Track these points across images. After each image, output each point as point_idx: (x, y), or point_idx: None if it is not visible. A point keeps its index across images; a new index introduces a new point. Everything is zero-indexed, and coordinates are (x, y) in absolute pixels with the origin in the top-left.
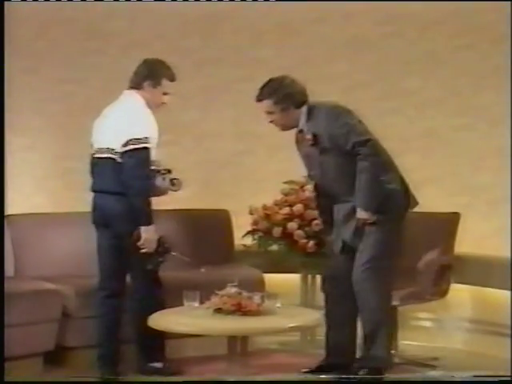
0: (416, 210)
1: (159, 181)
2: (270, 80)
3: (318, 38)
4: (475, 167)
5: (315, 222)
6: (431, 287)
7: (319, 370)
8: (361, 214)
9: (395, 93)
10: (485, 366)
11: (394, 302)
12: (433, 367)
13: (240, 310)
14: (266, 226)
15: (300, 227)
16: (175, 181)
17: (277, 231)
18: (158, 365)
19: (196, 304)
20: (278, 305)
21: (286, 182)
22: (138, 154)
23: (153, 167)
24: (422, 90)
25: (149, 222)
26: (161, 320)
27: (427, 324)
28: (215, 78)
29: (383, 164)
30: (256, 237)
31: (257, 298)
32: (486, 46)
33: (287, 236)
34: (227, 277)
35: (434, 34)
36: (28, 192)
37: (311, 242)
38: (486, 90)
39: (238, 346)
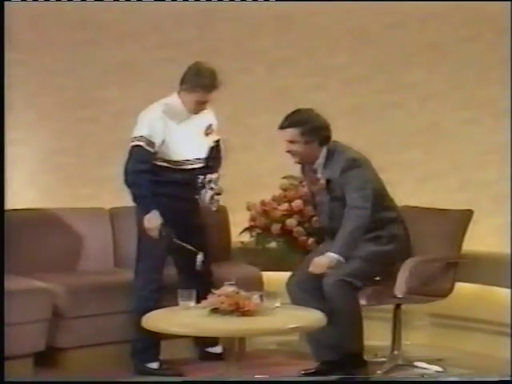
0: (426, 206)
1: (203, 193)
2: (298, 110)
3: (318, 30)
4: (479, 162)
5: (315, 218)
6: (427, 286)
7: (318, 371)
8: (330, 257)
9: (397, 86)
10: (490, 368)
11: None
12: (437, 369)
13: (238, 310)
14: (264, 222)
15: (299, 224)
16: (214, 200)
17: (275, 228)
18: (154, 365)
19: (192, 303)
20: (278, 304)
21: (284, 177)
22: (131, 151)
23: (208, 179)
24: (425, 83)
25: (146, 211)
26: (154, 320)
27: (430, 324)
28: None
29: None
30: (254, 234)
31: (255, 297)
32: (491, 38)
33: (286, 233)
34: (224, 275)
35: (438, 26)
36: (20, 187)
37: (311, 239)
38: (490, 83)
39: (235, 346)
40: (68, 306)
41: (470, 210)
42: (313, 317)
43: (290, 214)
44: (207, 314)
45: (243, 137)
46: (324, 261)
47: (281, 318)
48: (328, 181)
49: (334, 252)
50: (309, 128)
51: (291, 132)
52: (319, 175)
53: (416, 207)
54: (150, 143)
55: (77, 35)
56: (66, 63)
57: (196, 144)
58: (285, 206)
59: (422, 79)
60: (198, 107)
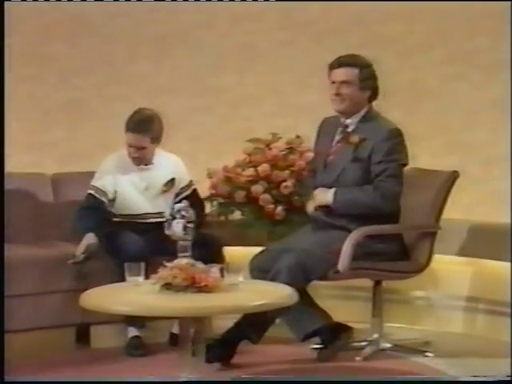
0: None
1: (174, 225)
2: (353, 54)
3: None
4: (468, 122)
5: (284, 184)
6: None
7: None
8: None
9: (374, 40)
10: (483, 351)
11: None
12: (425, 353)
13: (193, 286)
14: (226, 189)
15: (266, 190)
16: (188, 229)
17: (239, 195)
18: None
19: (140, 279)
20: (241, 279)
21: (249, 140)
22: (85, 199)
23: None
24: (405, 36)
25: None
26: (96, 298)
27: (416, 303)
28: (169, 25)
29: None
30: (215, 203)
31: (214, 270)
32: None
33: (252, 201)
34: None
35: None
36: None
37: (279, 208)
38: (478, 34)
39: (191, 330)
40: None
41: (455, 171)
42: (282, 292)
43: (255, 179)
44: (158, 290)
45: (204, 98)
46: (323, 196)
47: (245, 294)
48: (361, 140)
49: (335, 193)
50: (367, 73)
51: (349, 71)
52: (351, 133)
53: None
54: (102, 193)
55: None
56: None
57: (150, 198)
58: (250, 171)
59: (401, 31)
60: (134, 154)
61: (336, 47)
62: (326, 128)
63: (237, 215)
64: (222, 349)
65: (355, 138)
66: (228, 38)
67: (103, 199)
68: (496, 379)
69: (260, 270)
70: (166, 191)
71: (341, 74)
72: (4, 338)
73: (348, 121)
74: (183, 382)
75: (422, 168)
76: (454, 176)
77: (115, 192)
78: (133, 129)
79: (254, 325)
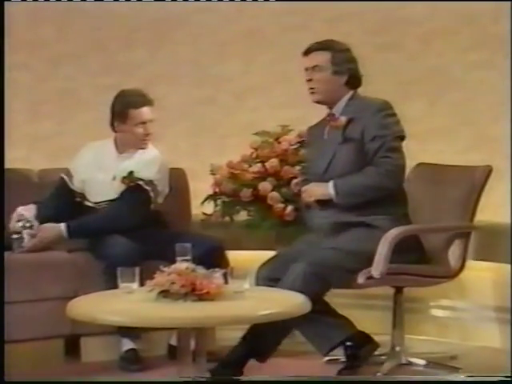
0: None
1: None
2: (333, 40)
3: None
4: (494, 115)
5: (295, 181)
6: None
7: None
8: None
9: (392, 24)
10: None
11: None
12: (453, 369)
13: (193, 293)
14: (231, 187)
15: (275, 188)
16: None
17: (245, 193)
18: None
19: (135, 285)
20: (247, 286)
21: (256, 133)
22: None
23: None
24: (427, 20)
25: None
26: (85, 307)
27: (441, 314)
28: (168, 8)
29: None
30: (219, 202)
31: (217, 275)
32: None
33: (259, 199)
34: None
35: None
36: None
37: (290, 208)
38: (505, 17)
39: (191, 342)
40: None
41: (487, 165)
42: (293, 301)
43: (263, 176)
44: (154, 298)
45: (206, 88)
46: (318, 188)
47: (251, 302)
48: (349, 120)
49: (334, 184)
50: (340, 56)
51: (319, 55)
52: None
53: (421, 163)
54: (71, 178)
55: None
56: None
57: (110, 188)
58: (257, 166)
59: (423, 15)
60: (141, 132)
61: (350, 32)
62: (314, 135)
63: (242, 215)
64: (227, 372)
65: (342, 120)
66: (232, 22)
67: (71, 185)
68: (496, 379)
69: (268, 280)
70: (127, 184)
71: (311, 59)
72: (4, 338)
73: (333, 110)
74: (183, 382)
75: (451, 164)
76: (487, 171)
77: (83, 181)
78: (147, 102)
79: (262, 340)
